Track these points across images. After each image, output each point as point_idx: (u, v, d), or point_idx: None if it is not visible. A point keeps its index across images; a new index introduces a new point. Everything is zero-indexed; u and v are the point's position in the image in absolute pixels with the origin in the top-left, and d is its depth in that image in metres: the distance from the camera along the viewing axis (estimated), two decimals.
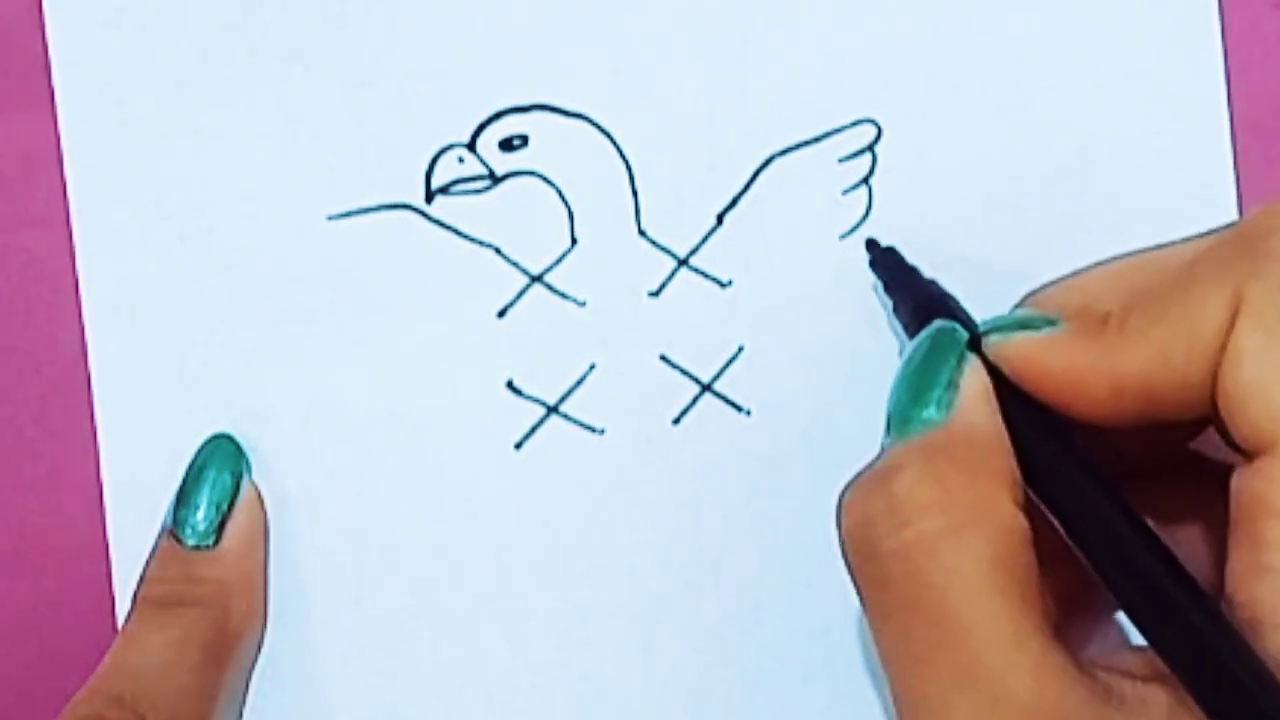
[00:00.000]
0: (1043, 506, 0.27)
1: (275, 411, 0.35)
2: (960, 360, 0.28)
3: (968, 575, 0.25)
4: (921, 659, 0.25)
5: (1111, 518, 0.26)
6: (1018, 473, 0.27)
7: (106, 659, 0.33)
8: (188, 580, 0.34)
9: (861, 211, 0.35)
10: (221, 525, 0.34)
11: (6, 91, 0.35)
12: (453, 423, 0.35)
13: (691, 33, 0.35)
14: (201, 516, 0.34)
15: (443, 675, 0.35)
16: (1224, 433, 0.25)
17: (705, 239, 0.35)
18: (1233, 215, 0.35)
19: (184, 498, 0.34)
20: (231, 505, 0.34)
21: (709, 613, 0.35)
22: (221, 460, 0.35)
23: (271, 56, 0.35)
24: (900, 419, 0.27)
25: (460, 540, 0.35)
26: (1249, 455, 0.25)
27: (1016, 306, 0.30)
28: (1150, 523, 0.26)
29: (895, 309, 0.33)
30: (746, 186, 0.35)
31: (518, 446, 0.35)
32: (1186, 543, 0.29)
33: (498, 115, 0.35)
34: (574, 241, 0.35)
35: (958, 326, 0.29)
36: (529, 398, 0.35)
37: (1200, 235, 0.27)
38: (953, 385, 0.27)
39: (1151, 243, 0.28)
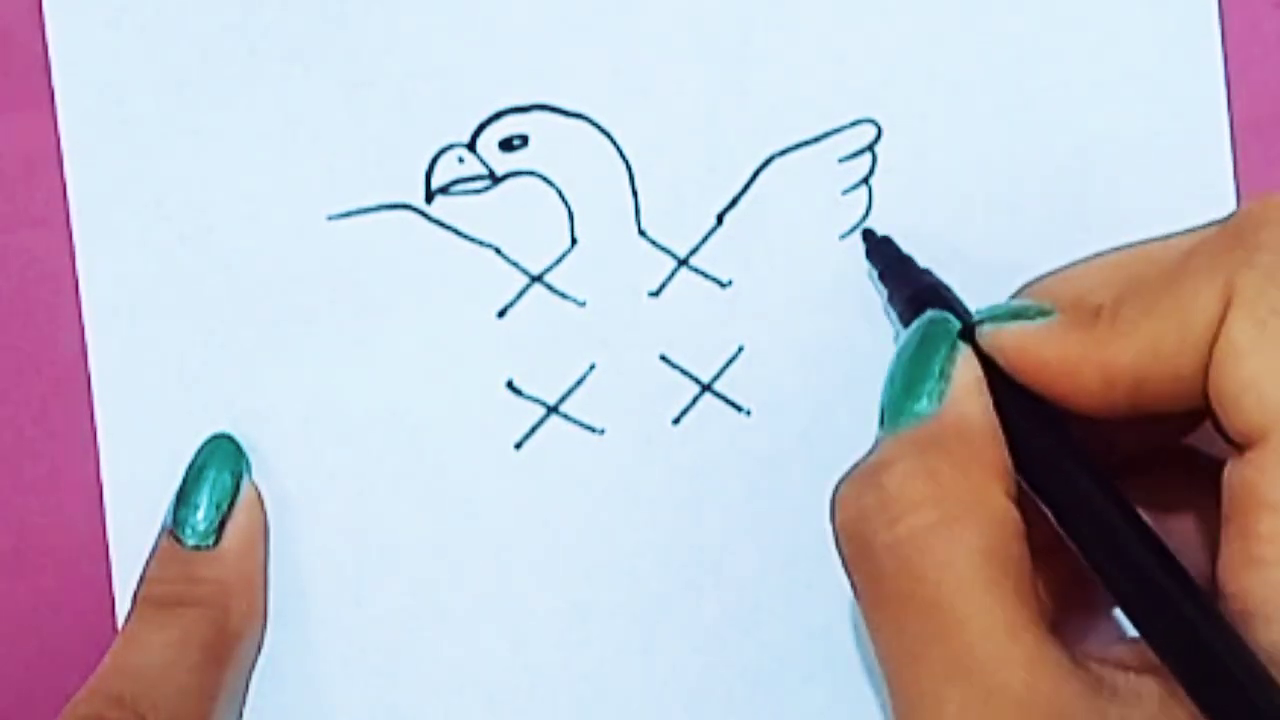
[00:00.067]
0: (1035, 498, 0.27)
1: (275, 411, 0.35)
2: (952, 351, 0.28)
3: (960, 569, 0.25)
4: (915, 653, 0.26)
5: (1103, 509, 0.26)
6: (1010, 464, 0.27)
7: (106, 659, 0.33)
8: (188, 580, 0.34)
9: (861, 211, 0.35)
10: (221, 525, 0.34)
11: (6, 91, 0.35)
12: (453, 423, 0.35)
13: (691, 33, 0.35)
14: (201, 516, 0.34)
15: (443, 675, 0.35)
16: (1217, 425, 0.26)
17: (705, 239, 0.35)
18: None
19: (184, 498, 0.35)
20: (231, 505, 0.35)
21: (709, 613, 0.35)
22: (221, 460, 0.35)
23: (271, 56, 0.35)
24: (893, 411, 0.28)
25: (460, 540, 0.35)
26: (1241, 447, 0.25)
27: (1012, 298, 0.30)
28: (1144, 515, 0.26)
29: (890, 298, 0.33)
30: (746, 186, 0.35)
31: (518, 446, 0.35)
32: (1180, 535, 0.29)
33: (498, 115, 0.35)
34: (574, 241, 0.35)
35: (949, 316, 0.29)
36: (529, 398, 0.35)
37: (1194, 229, 0.27)
38: (944, 376, 0.28)
39: None
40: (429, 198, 0.35)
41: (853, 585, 0.27)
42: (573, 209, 0.35)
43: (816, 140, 0.35)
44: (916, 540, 0.26)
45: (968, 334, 0.29)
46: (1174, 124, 0.35)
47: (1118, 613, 0.28)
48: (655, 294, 0.35)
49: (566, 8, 0.35)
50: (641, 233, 0.35)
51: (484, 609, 0.35)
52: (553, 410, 0.35)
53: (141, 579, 0.34)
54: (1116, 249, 0.29)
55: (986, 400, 0.28)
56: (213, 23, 0.35)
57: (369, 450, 0.35)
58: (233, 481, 0.35)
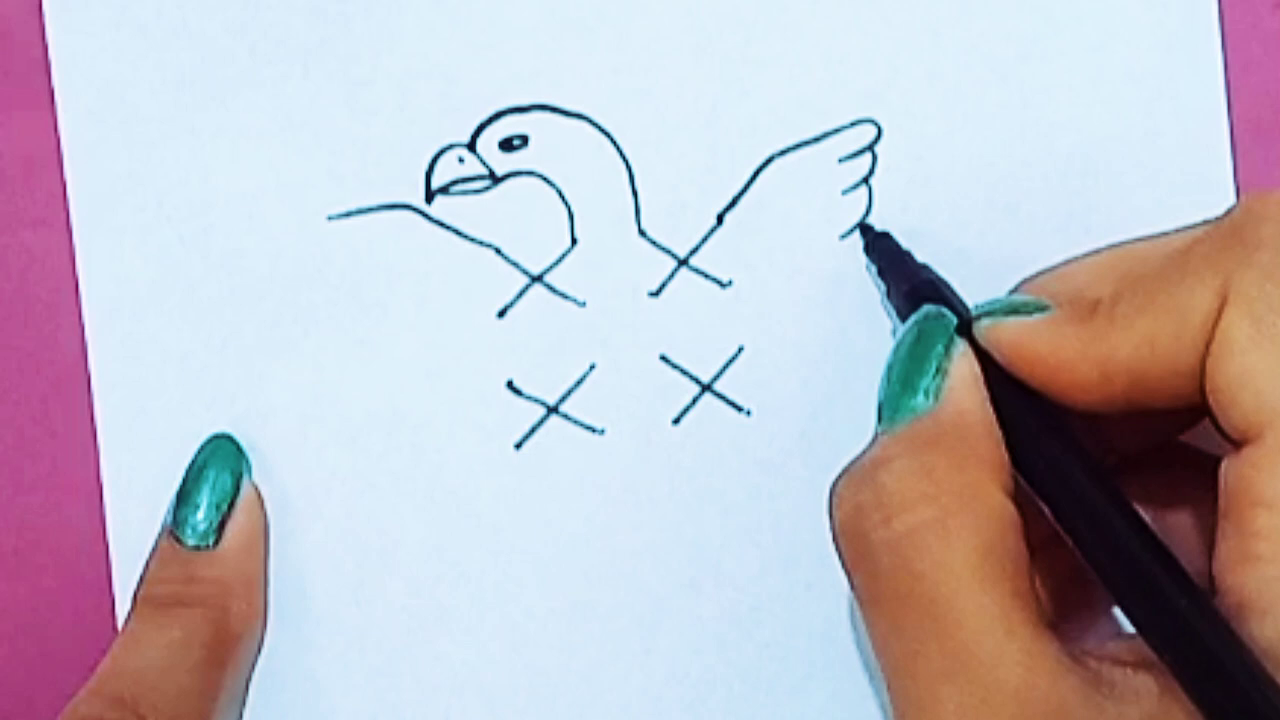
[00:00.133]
0: (1032, 493, 0.27)
1: (275, 411, 0.36)
2: (949, 346, 0.28)
3: (957, 566, 0.26)
4: (913, 650, 0.26)
5: (1100, 505, 0.26)
6: (1007, 460, 0.27)
7: (106, 659, 0.33)
8: (188, 580, 0.34)
9: (861, 211, 0.35)
10: (221, 525, 0.34)
11: (6, 91, 0.36)
12: (453, 423, 0.36)
13: (691, 33, 0.35)
14: (201, 516, 0.34)
15: (443, 675, 0.36)
16: (1214, 421, 0.26)
17: (705, 239, 0.36)
18: None
19: (184, 498, 0.35)
20: (231, 505, 0.35)
21: (709, 613, 0.36)
22: (221, 460, 0.35)
23: (271, 56, 0.35)
24: (890, 407, 0.28)
25: (460, 540, 0.36)
26: (1237, 444, 0.25)
27: (1010, 293, 0.30)
28: (1143, 512, 0.26)
29: (888, 294, 0.33)
30: (746, 186, 0.36)
31: (518, 446, 0.36)
32: (1178, 532, 0.29)
33: (498, 115, 0.35)
34: (574, 241, 0.36)
35: (946, 311, 0.29)
36: (529, 398, 0.36)
37: (1193, 226, 0.28)
38: (941, 372, 0.28)
39: None
40: (429, 198, 0.36)
41: (851, 583, 0.28)
42: (573, 209, 0.36)
43: (816, 140, 0.35)
44: (913, 538, 0.26)
45: (965, 329, 0.29)
46: (1174, 124, 0.36)
47: (1116, 609, 0.28)
48: (655, 294, 0.36)
49: (566, 8, 0.35)
50: (641, 233, 0.36)
51: (484, 609, 0.36)
52: (553, 410, 0.36)
53: (141, 579, 0.34)
54: (1113, 245, 0.29)
55: (983, 396, 0.28)
56: (213, 23, 0.35)
57: (369, 450, 0.36)
58: (233, 481, 0.35)
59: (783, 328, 0.36)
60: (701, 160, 0.36)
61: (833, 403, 0.36)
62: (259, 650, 0.36)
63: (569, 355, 0.36)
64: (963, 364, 0.28)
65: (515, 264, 0.36)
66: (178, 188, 0.36)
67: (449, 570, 0.36)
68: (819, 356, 0.36)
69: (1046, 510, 0.27)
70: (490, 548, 0.36)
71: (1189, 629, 0.24)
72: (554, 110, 0.35)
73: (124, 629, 0.34)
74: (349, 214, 0.36)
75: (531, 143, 0.35)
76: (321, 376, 0.36)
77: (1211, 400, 0.25)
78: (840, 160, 0.35)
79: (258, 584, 0.35)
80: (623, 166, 0.36)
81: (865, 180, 0.35)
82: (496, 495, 0.36)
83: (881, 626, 0.27)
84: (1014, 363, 0.28)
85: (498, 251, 0.36)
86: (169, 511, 0.35)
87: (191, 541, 0.34)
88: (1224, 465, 0.26)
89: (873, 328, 0.35)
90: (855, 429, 0.29)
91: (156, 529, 0.35)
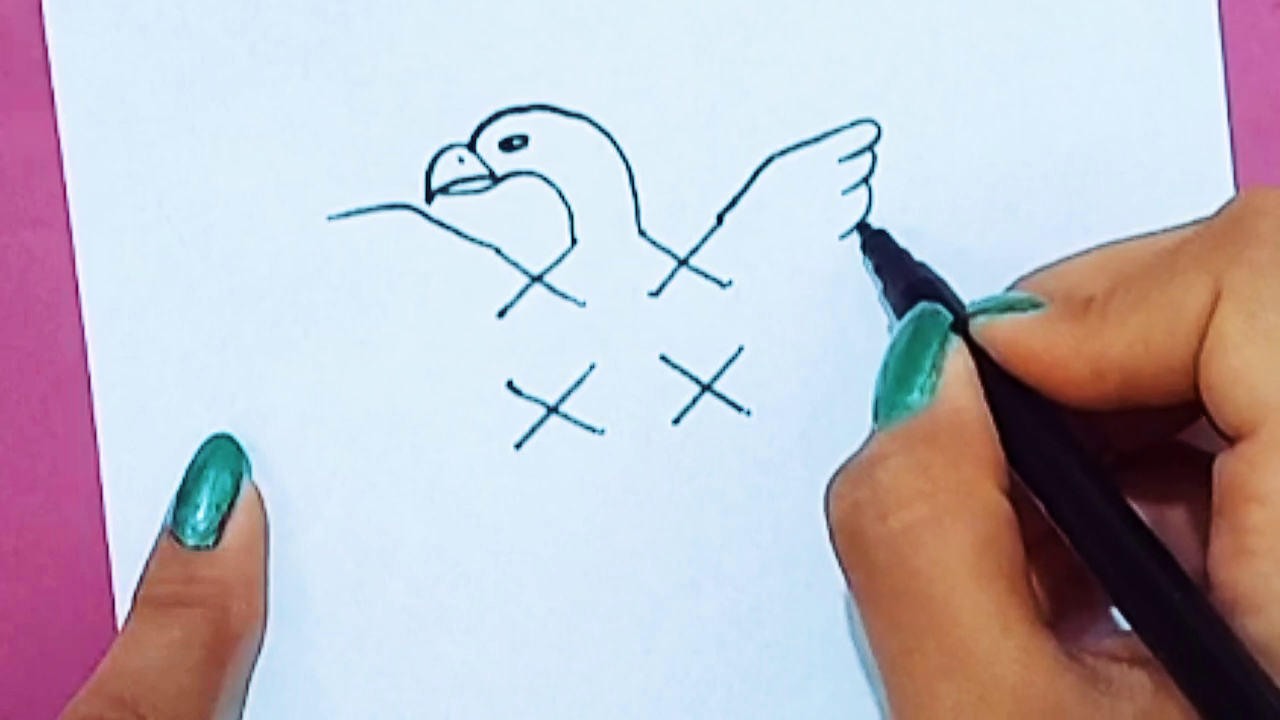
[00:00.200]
0: (1028, 490, 0.28)
1: (275, 411, 0.36)
2: (944, 343, 0.29)
3: (952, 563, 0.26)
4: (909, 647, 0.26)
5: (1095, 501, 0.27)
6: (1003, 457, 0.28)
7: (106, 659, 0.33)
8: (188, 580, 0.34)
9: (861, 211, 0.36)
10: (221, 525, 0.35)
11: (6, 91, 0.36)
12: (453, 423, 0.36)
13: (691, 33, 0.36)
14: (201, 516, 0.35)
15: (443, 675, 0.36)
16: (1208, 417, 0.26)
17: (705, 239, 0.36)
18: None
19: (184, 498, 0.35)
20: (231, 505, 0.35)
21: (709, 613, 0.36)
22: (221, 460, 0.35)
23: (271, 56, 0.36)
24: (886, 404, 0.28)
25: (460, 540, 0.36)
26: (1231, 440, 0.26)
27: (1006, 290, 0.30)
28: (1139, 510, 0.27)
29: (885, 291, 0.34)
30: (746, 186, 0.36)
31: (518, 446, 0.36)
32: (1174, 529, 0.29)
33: (498, 115, 0.36)
34: (574, 241, 0.36)
35: (941, 309, 0.29)
36: (529, 398, 0.36)
37: (1190, 224, 0.28)
38: (936, 369, 0.28)
39: None
40: (429, 198, 0.36)
41: (847, 580, 0.28)
42: (573, 209, 0.36)
43: (816, 140, 0.36)
44: (909, 535, 0.26)
45: (961, 327, 0.29)
46: (1174, 124, 0.36)
47: (1114, 608, 0.29)
48: (655, 294, 0.36)
49: (566, 8, 0.36)
50: (641, 233, 0.36)
51: (484, 609, 0.36)
52: (553, 410, 0.36)
53: (141, 579, 0.35)
54: (1109, 243, 0.30)
55: (978, 393, 0.28)
56: (213, 23, 0.36)
57: (369, 450, 0.36)
58: (233, 481, 0.35)
59: (783, 328, 0.36)
60: (701, 160, 0.36)
61: (832, 403, 0.36)
62: (259, 650, 0.36)
63: (569, 355, 0.36)
64: (958, 361, 0.28)
65: (515, 264, 0.36)
66: (178, 188, 0.36)
67: (449, 570, 0.36)
68: (819, 356, 0.36)
69: (1042, 506, 0.27)
70: (490, 548, 0.36)
71: (1183, 624, 0.25)
72: (554, 110, 0.36)
73: (124, 629, 0.34)
74: (349, 214, 0.36)
75: (531, 143, 0.36)
76: (321, 376, 0.36)
77: (1205, 396, 0.26)
78: (840, 160, 0.36)
79: (258, 584, 0.35)
80: (623, 166, 0.36)
81: (865, 180, 0.36)
82: (496, 495, 0.36)
83: (878, 624, 0.27)
84: (1008, 359, 0.28)
85: (498, 251, 0.36)
86: (169, 511, 0.35)
87: (191, 541, 0.34)
88: (1218, 461, 0.26)
89: (872, 328, 0.35)
90: (855, 429, 0.29)
91: (156, 529, 0.35)
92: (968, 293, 0.32)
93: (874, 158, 0.36)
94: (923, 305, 0.30)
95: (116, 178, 0.36)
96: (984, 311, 0.29)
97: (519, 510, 0.36)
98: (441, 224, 0.36)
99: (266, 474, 0.36)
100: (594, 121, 0.36)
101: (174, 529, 0.35)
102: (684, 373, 0.36)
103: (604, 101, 0.36)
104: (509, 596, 0.36)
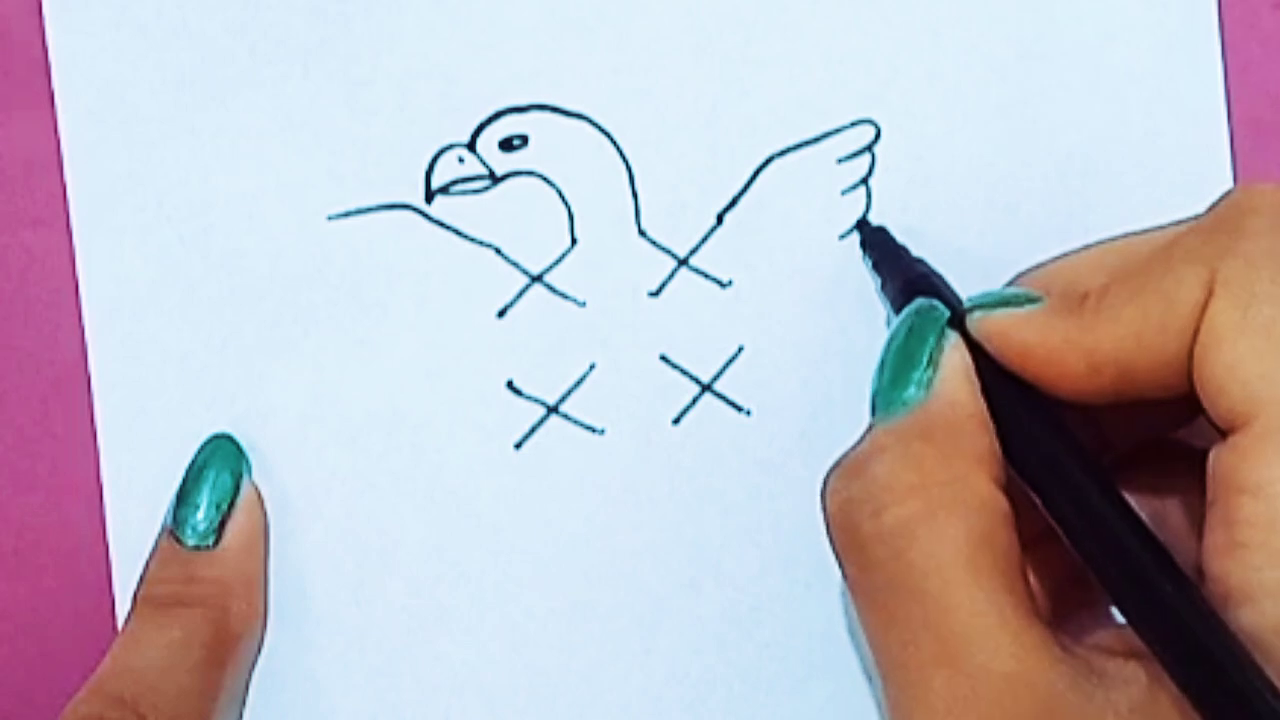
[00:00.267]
0: (1022, 483, 0.28)
1: (275, 411, 0.36)
2: (941, 338, 0.29)
3: (946, 557, 0.26)
4: (904, 640, 0.26)
5: (1089, 494, 0.27)
6: (998, 451, 0.28)
7: (106, 659, 0.34)
8: (188, 580, 0.34)
9: (860, 211, 0.36)
10: (221, 525, 0.35)
11: (6, 91, 0.36)
12: (453, 423, 0.36)
13: (691, 33, 0.36)
14: (201, 516, 0.35)
15: (443, 675, 0.36)
16: (1202, 411, 0.26)
17: (705, 239, 0.36)
18: None
19: (184, 498, 0.35)
20: (231, 505, 0.35)
21: (709, 613, 0.36)
22: (221, 460, 0.35)
23: (271, 56, 0.36)
24: (883, 399, 0.28)
25: (460, 540, 0.36)
26: (1225, 433, 0.26)
27: (1004, 287, 0.31)
28: (1136, 506, 0.27)
29: (883, 288, 0.34)
30: (746, 186, 0.36)
31: (518, 446, 0.36)
32: (1173, 526, 0.30)
33: (498, 115, 0.36)
34: (574, 241, 0.36)
35: (938, 304, 0.30)
36: (529, 398, 0.36)
37: (1188, 220, 0.28)
38: (933, 364, 0.28)
39: None
40: (429, 198, 0.36)
41: (843, 574, 0.28)
42: (573, 209, 0.36)
43: (816, 140, 0.36)
44: (903, 528, 0.27)
45: (958, 323, 0.29)
46: (1174, 124, 0.36)
47: (1113, 608, 0.29)
48: (655, 294, 0.36)
49: (566, 8, 0.36)
50: (641, 233, 0.36)
51: (484, 609, 0.36)
52: (553, 410, 0.36)
53: (141, 579, 0.35)
54: (1107, 239, 0.30)
55: (975, 387, 0.28)
56: (213, 23, 0.36)
57: (369, 450, 0.36)
58: (233, 481, 0.35)
59: (783, 328, 0.36)
60: (701, 160, 0.36)
61: (832, 402, 0.36)
62: (259, 650, 0.36)
63: (569, 355, 0.36)
64: (954, 356, 0.29)
65: (515, 264, 0.36)
66: (178, 188, 0.36)
67: (449, 570, 0.36)
68: (819, 356, 0.36)
69: (1037, 500, 0.28)
70: (490, 548, 0.36)
71: (1175, 617, 0.25)
72: (554, 110, 0.36)
73: (124, 629, 0.34)
74: (349, 214, 0.36)
75: (531, 143, 0.36)
76: (321, 376, 0.36)
77: (1199, 389, 0.26)
78: (839, 161, 0.36)
79: (258, 584, 0.36)
80: (623, 166, 0.36)
81: (864, 180, 0.36)
82: (496, 495, 0.36)
83: (873, 617, 0.27)
84: (1004, 354, 0.28)
85: (498, 251, 0.36)
86: (169, 511, 0.35)
87: (191, 541, 0.35)
88: (1211, 454, 0.26)
89: (872, 328, 0.36)
90: (855, 428, 0.30)
91: (156, 529, 0.35)
92: (967, 293, 0.32)
93: (873, 158, 0.36)
94: (920, 301, 0.30)
95: (116, 178, 0.36)
96: (980, 307, 0.29)
97: (519, 510, 0.36)
98: (441, 224, 0.36)
99: (266, 474, 0.36)
100: (594, 121, 0.36)
101: (174, 529, 0.35)
102: (684, 373, 0.36)
103: (604, 101, 0.36)
104: (509, 596, 0.36)
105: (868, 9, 0.36)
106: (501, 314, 0.36)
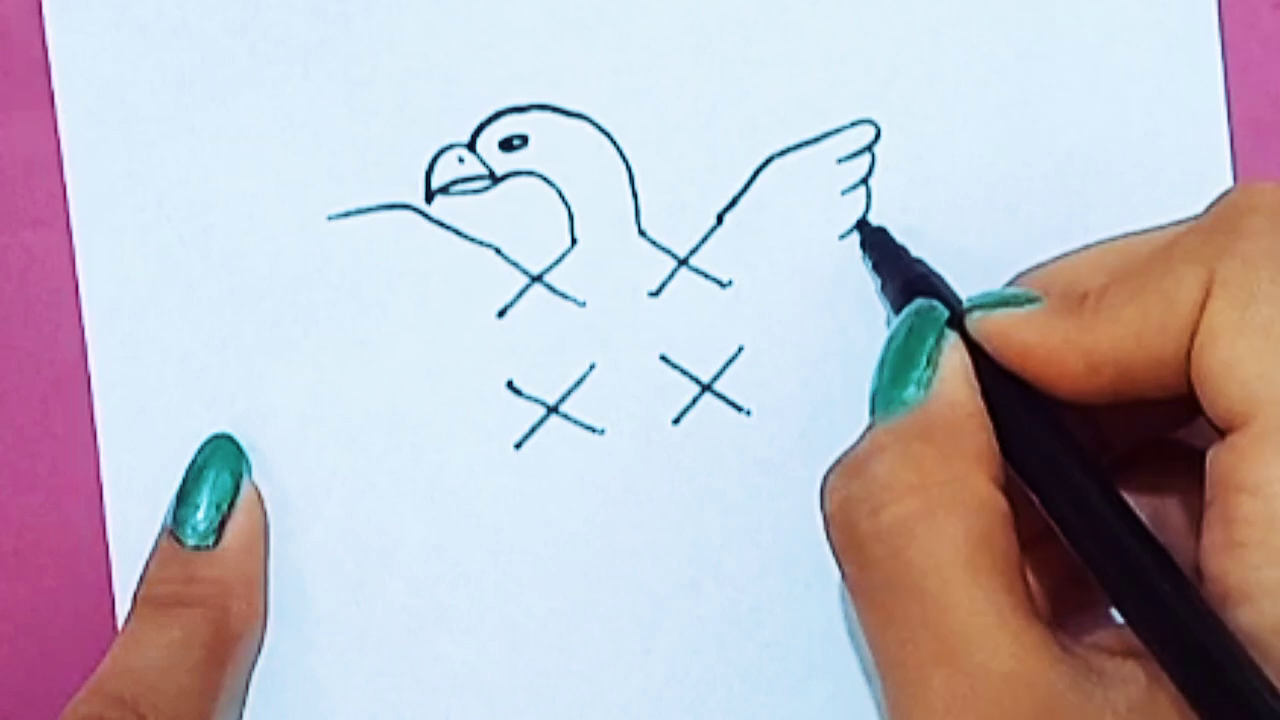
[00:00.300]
0: (1022, 483, 0.28)
1: (275, 411, 0.36)
2: (940, 339, 0.29)
3: (945, 556, 0.26)
4: (902, 638, 0.26)
5: (1087, 493, 0.27)
6: (997, 451, 0.28)
7: (106, 659, 0.34)
8: (188, 580, 0.34)
9: (860, 212, 0.36)
10: (221, 525, 0.35)
11: (6, 92, 0.36)
12: (453, 423, 0.36)
13: (691, 33, 0.36)
14: (201, 516, 0.35)
15: (443, 675, 0.36)
16: (1203, 410, 0.26)
17: (705, 239, 0.36)
18: None
19: (184, 498, 0.35)
20: (231, 505, 0.35)
21: (709, 613, 0.36)
22: (221, 460, 0.35)
23: (271, 56, 0.36)
24: (882, 400, 0.29)
25: (460, 540, 0.36)
26: (1223, 432, 0.26)
27: (1004, 287, 0.31)
28: (1136, 506, 0.27)
29: (883, 288, 0.34)
30: (746, 186, 0.36)
31: (518, 446, 0.36)
32: (1173, 527, 0.30)
33: (498, 115, 0.36)
34: (574, 241, 0.36)
35: (937, 305, 0.30)
36: (529, 398, 0.36)
37: (1185, 221, 0.28)
38: (932, 364, 0.29)
39: None
40: (429, 198, 0.36)
41: (842, 573, 0.28)
42: (573, 209, 0.36)
43: (816, 141, 0.36)
44: (902, 527, 0.27)
45: (958, 323, 0.29)
46: (1174, 124, 0.36)
47: (1113, 610, 0.29)
48: (655, 294, 0.36)
49: (566, 8, 0.36)
50: (641, 233, 0.36)
51: (484, 609, 0.36)
52: (553, 410, 0.36)
53: (141, 579, 0.35)
54: (1108, 240, 0.30)
55: (974, 387, 0.28)
56: (213, 23, 0.36)
57: (369, 450, 0.36)
58: (233, 481, 0.35)
59: (783, 328, 0.36)
60: (701, 160, 0.36)
61: (832, 403, 0.36)
62: (259, 650, 0.36)
63: (569, 355, 0.36)
64: (954, 356, 0.29)
65: (515, 264, 0.36)
66: (178, 188, 0.36)
67: (449, 570, 0.36)
68: (819, 356, 0.36)
69: (1036, 500, 0.28)
70: (490, 548, 0.36)
71: (1174, 616, 0.25)
72: (554, 110, 0.36)
73: (124, 629, 0.34)
74: (349, 214, 0.36)
75: (531, 143, 0.36)
76: (321, 376, 0.36)
77: (1197, 389, 0.26)
78: (839, 161, 0.36)
79: (258, 584, 0.36)
80: (623, 166, 0.36)
81: (864, 181, 0.36)
82: (496, 495, 0.36)
83: (872, 616, 0.27)
84: (1003, 354, 0.29)
85: (498, 251, 0.36)
86: (169, 511, 0.35)
87: (191, 541, 0.35)
88: (1210, 454, 0.26)
89: (872, 328, 0.36)
90: (855, 428, 0.30)
91: (156, 529, 0.35)
92: (967, 293, 0.32)
93: (873, 158, 0.36)
94: (919, 302, 0.30)
95: (116, 178, 0.36)
96: (980, 307, 0.29)
97: (519, 510, 0.36)
98: (441, 224, 0.36)
99: (266, 474, 0.36)
100: (594, 121, 0.36)
101: (174, 529, 0.35)
102: (684, 373, 0.36)
103: (604, 101, 0.36)
104: (509, 596, 0.36)
105: (868, 9, 0.36)
106: (501, 314, 0.36)
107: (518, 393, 0.36)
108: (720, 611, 0.36)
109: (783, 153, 0.36)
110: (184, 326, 0.36)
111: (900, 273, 0.33)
